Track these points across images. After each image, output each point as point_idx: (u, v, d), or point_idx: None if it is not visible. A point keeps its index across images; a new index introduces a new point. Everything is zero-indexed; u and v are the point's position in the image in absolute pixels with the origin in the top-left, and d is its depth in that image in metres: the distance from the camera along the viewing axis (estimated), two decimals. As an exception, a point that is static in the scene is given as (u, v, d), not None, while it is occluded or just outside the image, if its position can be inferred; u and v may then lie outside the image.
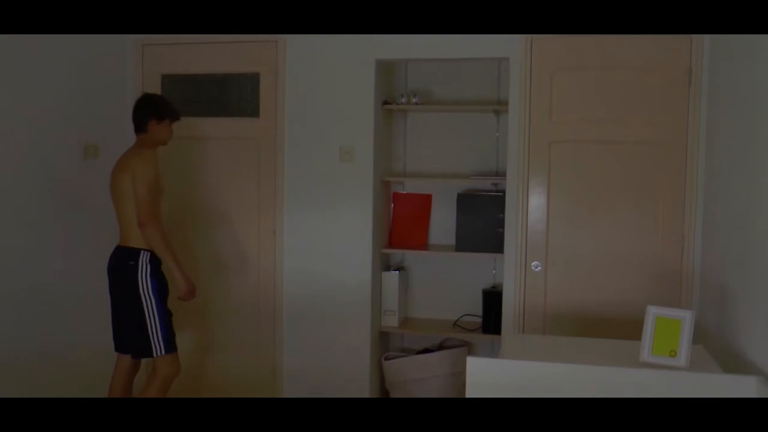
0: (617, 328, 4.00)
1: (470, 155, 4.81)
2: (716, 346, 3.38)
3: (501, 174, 4.61)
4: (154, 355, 3.77)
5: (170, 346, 3.80)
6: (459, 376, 4.45)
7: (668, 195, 4.06)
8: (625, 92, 4.06)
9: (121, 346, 3.94)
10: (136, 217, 3.69)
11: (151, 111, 3.84)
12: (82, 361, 4.30)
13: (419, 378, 4.50)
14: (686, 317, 2.89)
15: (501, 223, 4.37)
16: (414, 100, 4.63)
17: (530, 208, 4.24)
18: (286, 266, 4.56)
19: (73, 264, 4.26)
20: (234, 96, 4.63)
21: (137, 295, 3.73)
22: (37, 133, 3.95)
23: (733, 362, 3.13)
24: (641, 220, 4.10)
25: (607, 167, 4.13)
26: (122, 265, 3.78)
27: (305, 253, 4.53)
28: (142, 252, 3.76)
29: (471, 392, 2.69)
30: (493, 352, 3.09)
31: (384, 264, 4.79)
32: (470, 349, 4.77)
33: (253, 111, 4.59)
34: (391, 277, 4.69)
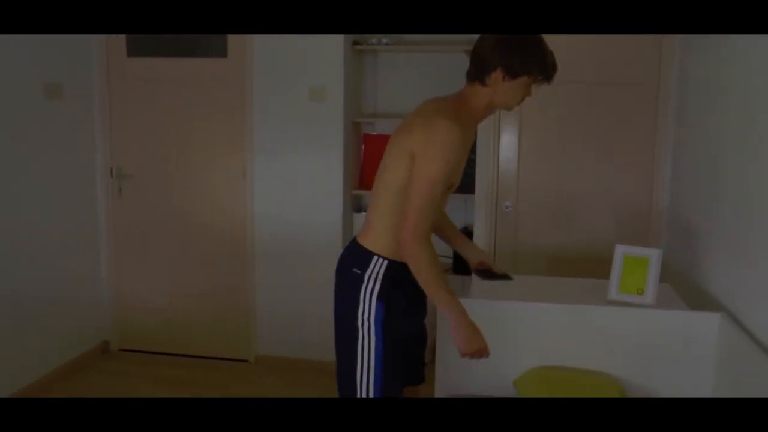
0: (586, 267, 4.04)
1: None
2: (683, 285, 3.44)
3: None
4: None
5: (393, 380, 2.45)
6: (430, 316, 4.48)
7: (639, 136, 4.08)
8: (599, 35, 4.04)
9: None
10: (400, 223, 2.28)
11: (505, 57, 2.29)
12: (62, 309, 4.29)
13: (391, 318, 4.53)
14: (653, 256, 2.94)
15: (472, 164, 4.36)
16: (384, 41, 4.56)
17: (501, 148, 4.25)
18: (257, 209, 4.54)
19: (35, 213, 4.18)
20: (201, 36, 4.52)
21: (352, 319, 2.41)
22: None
23: (699, 300, 3.20)
24: (612, 161, 4.12)
25: (579, 108, 4.13)
26: (345, 268, 2.50)
27: (276, 196, 4.50)
28: (376, 258, 2.39)
29: (441, 332, 2.73)
30: (464, 292, 3.12)
31: (355, 205, 4.79)
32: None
33: (220, 51, 4.49)
34: (362, 219, 4.68)
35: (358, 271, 2.38)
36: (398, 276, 2.36)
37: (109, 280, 4.81)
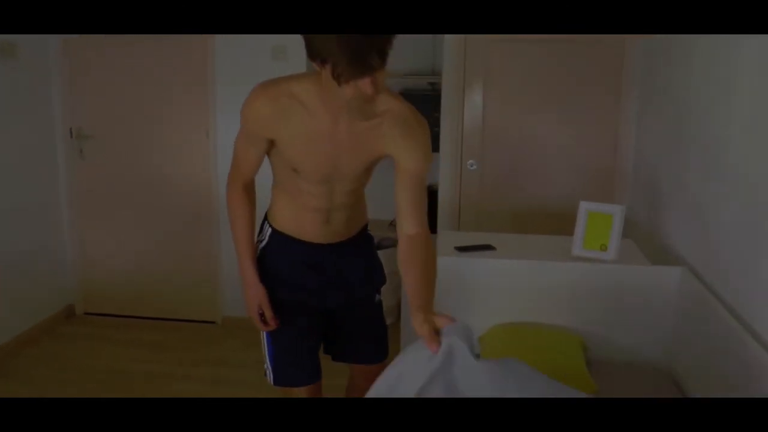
0: (551, 224, 4.09)
1: (406, 54, 4.74)
2: (646, 240, 3.49)
3: (437, 73, 4.56)
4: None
5: (280, 377, 2.40)
6: (396, 275, 4.50)
7: (604, 94, 4.10)
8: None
9: None
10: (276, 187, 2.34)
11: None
12: (25, 273, 4.24)
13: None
14: (617, 212, 2.97)
15: (437, 123, 4.36)
16: (348, -3, 4.50)
17: (466, 107, 4.24)
18: (221, 168, 4.49)
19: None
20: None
21: None
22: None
23: (660, 255, 3.25)
24: (577, 119, 4.14)
25: (544, 66, 4.13)
26: None
27: (240, 156, 4.45)
28: (264, 224, 2.40)
29: (404, 290, 2.73)
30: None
31: (320, 165, 4.76)
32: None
33: (180, 8, 4.39)
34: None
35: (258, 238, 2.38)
36: (280, 245, 2.31)
37: (72, 243, 4.74)
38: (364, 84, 1.76)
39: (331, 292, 2.34)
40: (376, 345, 2.48)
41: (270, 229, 2.33)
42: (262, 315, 2.27)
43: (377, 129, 2.02)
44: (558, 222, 4.03)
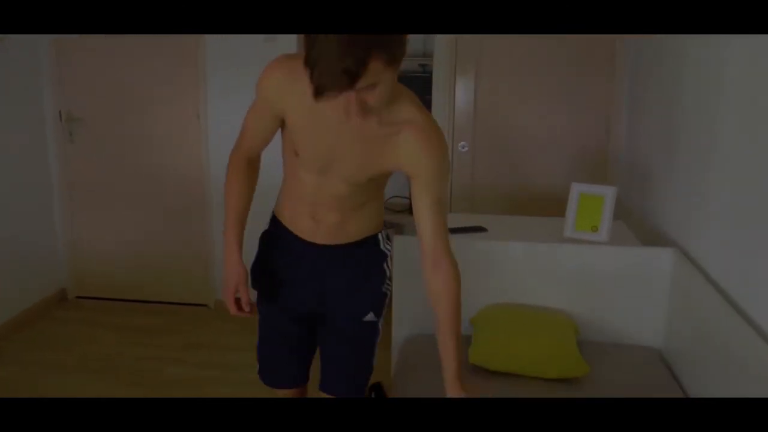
0: (543, 206, 4.09)
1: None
2: (636, 222, 3.50)
3: (428, 55, 4.54)
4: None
5: (262, 372, 2.39)
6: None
7: (596, 76, 4.09)
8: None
9: None
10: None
11: None
12: (16, 257, 4.22)
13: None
14: (608, 194, 2.97)
15: (428, 105, 4.34)
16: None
17: (458, 89, 4.23)
18: (212, 151, 4.47)
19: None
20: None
21: None
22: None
23: (652, 236, 3.26)
24: (569, 102, 4.14)
25: (537, 49, 4.12)
26: None
27: (231, 138, 4.40)
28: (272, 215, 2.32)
29: (398, 269, 2.74)
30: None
31: (312, 148, 4.74)
32: (399, 231, 4.83)
33: (169, -11, 4.36)
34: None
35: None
36: (275, 232, 2.23)
37: (63, 227, 4.73)
38: (336, 106, 1.60)
39: (305, 293, 2.16)
40: (337, 374, 2.23)
41: (272, 215, 2.25)
42: (238, 299, 2.11)
43: (392, 138, 1.84)
44: (550, 204, 4.03)
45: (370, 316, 2.16)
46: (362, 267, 2.15)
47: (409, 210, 4.64)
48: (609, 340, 2.93)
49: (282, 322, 2.24)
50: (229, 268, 2.10)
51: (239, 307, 2.11)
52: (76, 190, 4.68)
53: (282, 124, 2.01)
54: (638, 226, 3.44)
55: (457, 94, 4.23)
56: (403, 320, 2.99)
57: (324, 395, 2.25)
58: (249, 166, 2.14)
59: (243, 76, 4.35)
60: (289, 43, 4.28)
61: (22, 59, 4.31)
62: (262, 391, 2.42)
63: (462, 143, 4.26)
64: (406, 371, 2.71)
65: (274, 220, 2.23)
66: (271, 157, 2.29)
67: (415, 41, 4.71)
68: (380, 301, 2.18)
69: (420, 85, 4.46)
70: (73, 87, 4.53)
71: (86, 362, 3.89)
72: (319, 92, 1.54)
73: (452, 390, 1.86)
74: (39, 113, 4.51)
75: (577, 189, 3.04)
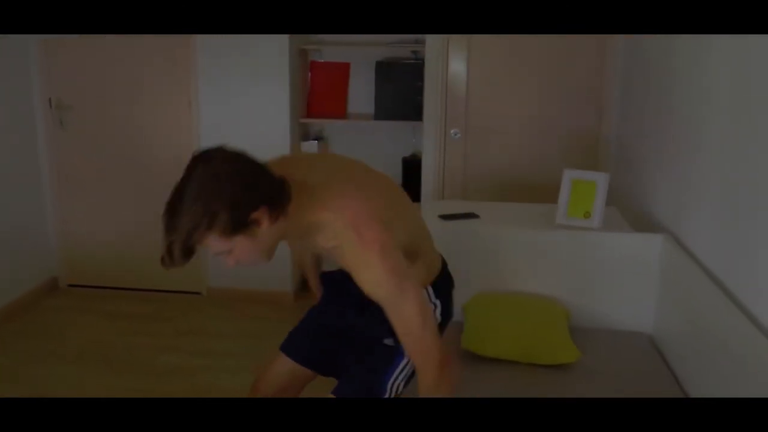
0: (535, 193, 4.09)
1: (388, 21, 4.69)
2: (629, 208, 3.51)
3: (420, 41, 4.53)
4: None
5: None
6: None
7: (587, 62, 4.09)
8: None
9: None
10: None
11: None
12: (5, 245, 4.21)
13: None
14: (600, 180, 2.98)
15: (420, 92, 4.34)
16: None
17: (450, 75, 4.22)
18: (203, 138, 4.45)
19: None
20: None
21: None
22: None
23: (643, 222, 3.27)
24: (560, 88, 4.13)
25: (528, 35, 4.10)
26: None
27: (222, 125, 4.42)
28: None
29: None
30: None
31: (303, 134, 4.74)
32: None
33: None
34: (310, 147, 4.65)
35: None
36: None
37: (53, 214, 4.71)
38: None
39: (333, 307, 2.34)
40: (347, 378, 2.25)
41: None
42: None
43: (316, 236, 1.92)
44: (542, 190, 4.03)
45: (390, 340, 2.13)
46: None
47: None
48: (600, 326, 2.95)
49: (330, 312, 2.35)
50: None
51: None
52: (67, 178, 4.66)
53: None
54: (630, 212, 3.45)
55: (449, 81, 4.22)
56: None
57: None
58: None
59: (234, 65, 4.34)
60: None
61: (10, 46, 4.28)
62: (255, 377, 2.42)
63: (454, 130, 4.26)
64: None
65: None
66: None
67: (406, 27, 4.69)
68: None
69: (412, 72, 4.46)
70: (63, 74, 4.50)
71: (79, 351, 3.88)
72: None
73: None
74: (28, 101, 4.48)
75: (569, 175, 3.04)
